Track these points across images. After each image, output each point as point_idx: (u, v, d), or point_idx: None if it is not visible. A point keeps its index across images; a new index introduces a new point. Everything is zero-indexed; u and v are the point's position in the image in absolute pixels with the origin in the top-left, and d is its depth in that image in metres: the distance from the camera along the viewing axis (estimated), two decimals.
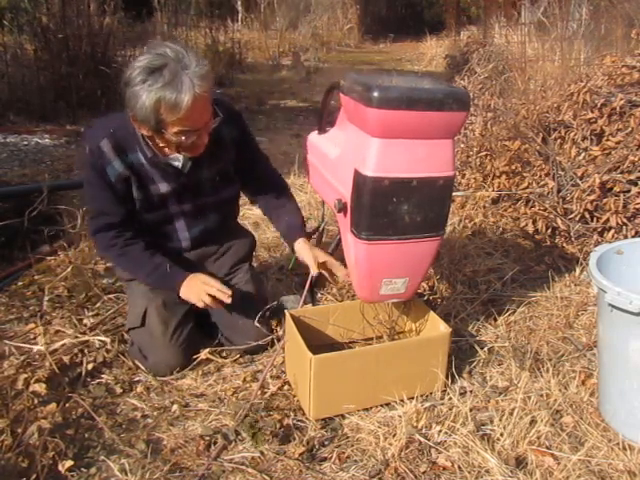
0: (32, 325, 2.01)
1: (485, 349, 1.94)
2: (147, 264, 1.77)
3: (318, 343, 1.76)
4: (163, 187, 1.75)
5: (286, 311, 1.76)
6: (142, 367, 1.81)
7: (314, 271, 1.81)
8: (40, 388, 1.65)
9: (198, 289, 1.73)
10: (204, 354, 1.80)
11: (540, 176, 2.79)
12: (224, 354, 1.89)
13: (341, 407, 1.62)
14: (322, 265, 1.84)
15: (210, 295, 1.71)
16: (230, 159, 1.84)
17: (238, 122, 1.85)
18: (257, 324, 1.81)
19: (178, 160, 1.70)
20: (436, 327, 1.79)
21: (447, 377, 1.74)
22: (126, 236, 1.76)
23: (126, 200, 1.73)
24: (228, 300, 1.70)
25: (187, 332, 1.84)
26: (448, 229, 2.71)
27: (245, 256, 2.02)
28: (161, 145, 1.65)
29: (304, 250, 1.86)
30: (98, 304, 2.14)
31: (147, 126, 1.57)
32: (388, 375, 1.64)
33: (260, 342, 1.83)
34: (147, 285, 1.82)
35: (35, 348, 1.83)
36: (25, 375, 1.69)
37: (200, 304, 1.73)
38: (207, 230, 1.89)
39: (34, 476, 1.35)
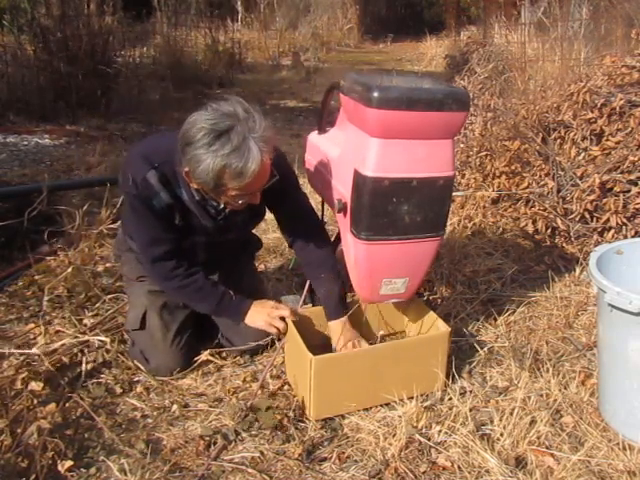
0: (32, 325, 2.01)
1: (485, 349, 1.94)
2: (212, 295, 1.76)
3: (317, 343, 1.76)
4: (196, 222, 1.71)
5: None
6: (142, 368, 1.81)
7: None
8: (39, 388, 1.65)
9: (268, 314, 1.75)
10: (204, 355, 1.80)
11: (540, 176, 2.79)
12: (224, 354, 1.89)
13: (341, 407, 1.63)
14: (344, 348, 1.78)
15: (282, 319, 1.74)
16: (264, 204, 1.78)
17: (281, 170, 1.67)
18: None
19: (214, 205, 1.67)
20: (435, 326, 1.79)
21: (447, 376, 1.74)
22: (185, 266, 1.73)
23: (173, 229, 1.69)
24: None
25: (188, 335, 1.84)
26: (448, 229, 2.71)
27: (247, 259, 2.01)
28: (212, 196, 1.61)
29: (334, 332, 1.78)
30: (98, 304, 2.14)
31: (204, 186, 1.52)
32: (388, 375, 1.64)
33: (260, 342, 1.82)
34: (209, 313, 1.82)
35: (34, 348, 1.82)
36: (25, 375, 1.69)
37: (271, 330, 1.75)
38: (225, 253, 1.89)
39: (34, 476, 1.35)
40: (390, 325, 1.95)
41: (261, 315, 1.76)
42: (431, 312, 1.84)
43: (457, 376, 1.80)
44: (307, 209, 1.87)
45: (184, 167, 1.50)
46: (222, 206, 1.66)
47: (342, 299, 1.80)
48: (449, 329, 1.73)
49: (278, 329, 1.75)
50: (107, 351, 1.89)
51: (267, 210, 1.86)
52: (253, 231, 2.07)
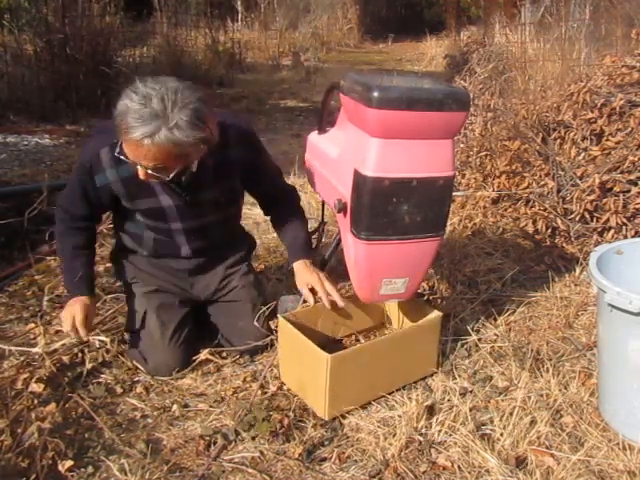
0: (32, 325, 2.01)
1: (485, 349, 1.94)
2: (69, 260, 1.80)
3: (317, 343, 1.75)
4: (165, 201, 1.72)
5: (279, 316, 1.76)
6: (142, 368, 1.81)
7: (310, 301, 1.78)
8: (40, 388, 1.66)
9: (67, 315, 1.73)
10: (204, 354, 1.80)
11: (540, 176, 2.79)
12: (224, 354, 1.89)
13: (351, 403, 1.63)
14: (313, 290, 1.79)
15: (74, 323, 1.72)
16: (237, 179, 1.81)
17: (248, 143, 1.78)
18: (256, 324, 1.81)
19: (179, 179, 1.67)
20: (424, 312, 1.83)
21: (438, 357, 1.84)
22: (78, 225, 1.79)
23: (102, 204, 1.77)
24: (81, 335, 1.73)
25: (186, 334, 1.84)
26: (448, 229, 2.71)
27: (243, 257, 2.01)
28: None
29: (298, 274, 1.83)
30: (98, 304, 2.14)
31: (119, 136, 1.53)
32: (392, 364, 1.69)
33: (259, 342, 1.83)
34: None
35: (35, 348, 1.82)
36: (25, 375, 1.69)
37: (65, 328, 1.74)
38: (209, 243, 1.88)
39: (34, 476, 1.35)
40: (369, 319, 1.99)
41: (67, 312, 1.74)
42: (418, 299, 1.89)
43: (457, 376, 1.80)
44: (280, 183, 1.97)
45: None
46: (183, 177, 1.67)
47: (307, 244, 1.90)
48: (440, 313, 1.80)
49: (75, 331, 1.72)
50: (107, 351, 1.88)
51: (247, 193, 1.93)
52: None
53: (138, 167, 1.54)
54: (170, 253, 1.86)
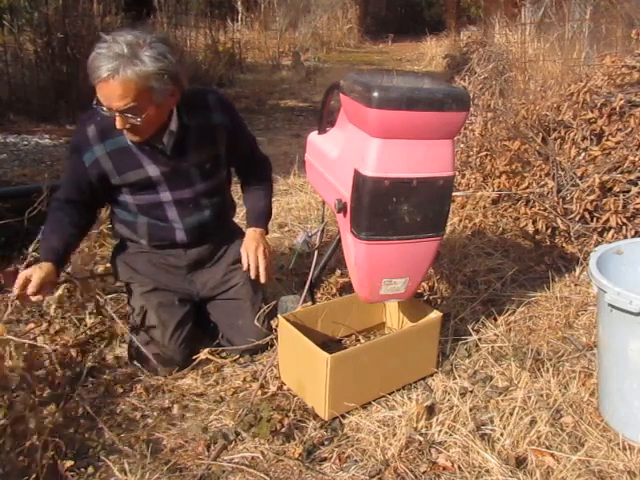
0: (32, 325, 2.01)
1: (485, 349, 1.94)
2: (48, 231, 1.76)
3: (317, 342, 1.76)
4: (152, 170, 1.75)
5: (279, 316, 1.76)
6: (142, 368, 1.81)
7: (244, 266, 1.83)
8: (40, 388, 1.65)
9: (22, 275, 1.64)
10: (204, 354, 1.80)
11: (540, 176, 2.80)
12: (224, 354, 1.89)
13: (351, 402, 1.63)
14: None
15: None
16: (222, 145, 1.85)
17: (228, 108, 1.88)
18: (257, 323, 1.81)
19: (162, 143, 1.73)
20: (424, 312, 1.84)
21: (438, 357, 1.84)
22: (69, 206, 1.79)
23: (94, 187, 1.78)
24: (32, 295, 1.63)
25: (186, 332, 1.84)
26: (448, 229, 2.71)
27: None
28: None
29: (245, 239, 1.91)
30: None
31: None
32: (392, 364, 1.69)
33: (260, 341, 1.83)
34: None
35: (35, 348, 1.82)
36: (25, 375, 1.69)
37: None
38: (202, 223, 1.88)
39: (34, 476, 1.35)
40: (369, 319, 2.00)
41: (25, 272, 1.64)
42: (417, 299, 1.90)
43: (457, 376, 1.80)
44: (257, 151, 2.04)
45: None
46: (164, 146, 1.73)
47: (264, 214, 1.98)
48: (440, 313, 1.80)
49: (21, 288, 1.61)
50: (107, 351, 1.89)
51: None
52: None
53: (116, 117, 1.60)
54: (166, 238, 1.86)
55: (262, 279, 1.83)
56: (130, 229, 1.89)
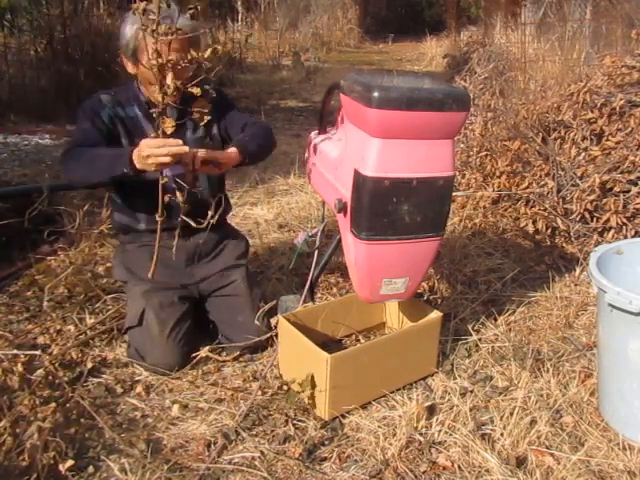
0: (32, 325, 2.01)
1: (485, 349, 1.94)
2: (95, 153, 1.69)
3: (317, 342, 1.76)
4: None
5: (279, 316, 1.76)
6: (141, 367, 1.81)
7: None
8: (40, 388, 1.65)
9: (149, 152, 1.54)
10: (204, 352, 1.79)
11: (540, 176, 2.80)
12: (224, 353, 1.89)
13: (351, 402, 1.64)
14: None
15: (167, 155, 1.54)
16: (213, 122, 1.90)
17: (220, 92, 1.98)
18: (257, 322, 1.81)
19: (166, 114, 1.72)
20: (424, 312, 1.84)
21: (438, 357, 1.84)
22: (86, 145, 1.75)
23: (110, 136, 1.81)
24: (184, 149, 1.55)
25: (185, 331, 1.84)
26: (448, 229, 2.71)
27: (240, 255, 2.02)
28: (146, 83, 1.79)
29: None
30: (98, 304, 2.14)
31: (128, 58, 1.78)
32: (392, 364, 1.69)
33: (261, 338, 1.82)
34: (104, 177, 1.69)
35: (35, 349, 1.82)
36: (26, 375, 1.69)
37: (157, 166, 1.55)
38: (199, 201, 1.83)
39: (34, 476, 1.35)
40: (369, 319, 2.00)
41: (140, 155, 1.56)
42: (417, 299, 1.90)
43: (457, 376, 1.80)
44: (255, 119, 2.04)
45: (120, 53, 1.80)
46: (168, 111, 1.67)
47: (247, 142, 1.85)
48: (440, 313, 1.80)
49: (166, 163, 1.54)
50: (107, 351, 1.89)
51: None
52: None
53: (183, 67, 1.57)
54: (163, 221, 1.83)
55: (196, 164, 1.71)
56: (129, 215, 1.92)
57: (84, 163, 1.71)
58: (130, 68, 1.83)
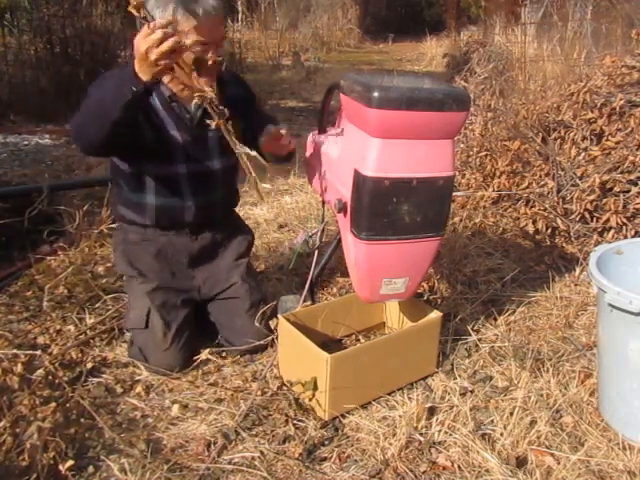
0: (32, 325, 2.01)
1: (485, 349, 1.94)
2: (101, 95, 1.57)
3: (317, 342, 1.76)
4: (174, 135, 1.75)
5: (279, 316, 1.76)
6: (141, 367, 1.81)
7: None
8: (40, 388, 1.65)
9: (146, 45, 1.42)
10: (204, 354, 1.79)
11: (540, 176, 2.80)
12: (224, 354, 1.89)
13: (351, 402, 1.64)
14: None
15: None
16: (237, 117, 1.78)
17: (242, 82, 1.97)
18: (257, 323, 1.81)
19: (189, 109, 1.75)
20: (424, 312, 1.84)
21: (438, 357, 1.85)
22: None
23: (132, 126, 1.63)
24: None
25: (187, 335, 1.84)
26: (448, 229, 2.71)
27: (244, 252, 2.01)
28: (176, 74, 1.62)
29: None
30: (98, 304, 2.14)
31: None
32: (392, 364, 1.69)
33: (261, 342, 1.82)
34: (114, 113, 1.52)
35: (35, 349, 1.82)
36: (26, 375, 1.69)
37: (161, 57, 1.42)
38: (211, 203, 1.86)
39: (34, 476, 1.35)
40: (369, 319, 2.00)
41: (140, 54, 1.45)
42: (417, 299, 1.90)
43: (457, 376, 1.80)
44: (267, 116, 2.03)
45: None
46: (191, 112, 1.74)
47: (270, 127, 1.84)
48: (440, 313, 1.80)
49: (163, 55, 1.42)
50: (108, 351, 1.89)
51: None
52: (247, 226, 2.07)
53: (212, 47, 1.63)
54: (174, 218, 1.83)
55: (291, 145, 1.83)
56: (136, 210, 1.85)
57: (91, 109, 1.58)
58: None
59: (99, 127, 1.54)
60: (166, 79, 1.73)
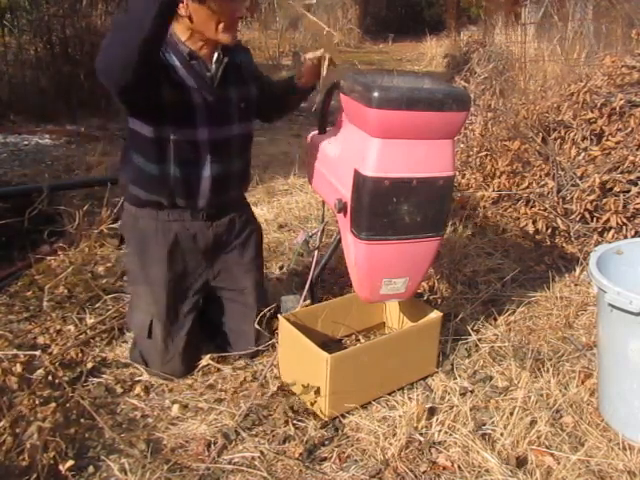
0: (32, 325, 2.01)
1: (485, 349, 1.94)
2: (126, 12, 1.51)
3: (317, 342, 1.76)
4: (196, 96, 1.68)
5: (279, 316, 1.76)
6: (141, 368, 1.80)
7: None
8: (40, 388, 1.65)
9: None
10: (205, 360, 1.80)
11: (540, 176, 2.80)
12: (224, 357, 1.89)
13: (351, 402, 1.64)
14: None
15: None
16: (251, 84, 1.86)
17: (246, 49, 1.96)
18: (257, 326, 1.81)
19: (209, 68, 1.72)
20: (424, 312, 1.85)
21: (438, 357, 1.85)
22: None
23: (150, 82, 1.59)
24: None
25: (191, 345, 1.81)
26: (448, 229, 2.71)
27: (253, 258, 1.94)
28: (199, 28, 1.64)
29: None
30: (99, 304, 2.14)
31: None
32: (392, 364, 1.69)
33: (261, 347, 1.82)
34: (146, 22, 1.44)
35: (35, 348, 1.82)
36: (25, 375, 1.69)
37: None
38: (228, 174, 1.79)
39: (35, 476, 1.35)
40: (369, 319, 2.01)
41: None
42: (417, 299, 1.91)
43: (457, 376, 1.80)
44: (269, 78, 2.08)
45: None
46: (212, 72, 1.72)
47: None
48: (440, 313, 1.81)
49: None
50: (108, 351, 1.89)
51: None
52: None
53: (248, 6, 1.64)
54: (190, 192, 1.75)
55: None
56: (152, 187, 1.73)
57: (121, 24, 1.53)
58: (184, 10, 1.59)
59: (129, 40, 1.46)
60: (184, 36, 1.66)
